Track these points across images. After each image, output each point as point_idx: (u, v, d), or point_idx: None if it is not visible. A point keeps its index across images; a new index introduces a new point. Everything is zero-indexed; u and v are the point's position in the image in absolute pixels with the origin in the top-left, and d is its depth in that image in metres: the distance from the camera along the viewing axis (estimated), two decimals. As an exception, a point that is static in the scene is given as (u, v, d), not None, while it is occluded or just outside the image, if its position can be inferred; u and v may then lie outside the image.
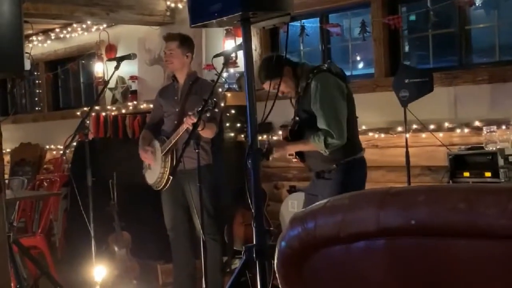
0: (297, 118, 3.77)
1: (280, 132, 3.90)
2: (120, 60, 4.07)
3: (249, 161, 2.48)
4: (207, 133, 4.18)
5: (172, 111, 4.46)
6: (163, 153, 4.31)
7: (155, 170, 4.41)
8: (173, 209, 4.50)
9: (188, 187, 4.16)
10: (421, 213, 1.12)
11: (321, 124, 3.56)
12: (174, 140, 4.22)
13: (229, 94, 5.49)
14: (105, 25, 7.04)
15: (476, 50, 4.80)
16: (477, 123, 4.37)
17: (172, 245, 4.61)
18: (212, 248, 4.24)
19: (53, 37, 7.83)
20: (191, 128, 3.73)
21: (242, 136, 5.48)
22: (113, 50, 7.12)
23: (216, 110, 3.92)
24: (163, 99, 4.58)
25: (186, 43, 4.42)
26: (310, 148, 3.66)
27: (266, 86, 3.67)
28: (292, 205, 5.14)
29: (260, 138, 4.00)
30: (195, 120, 3.69)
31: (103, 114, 6.81)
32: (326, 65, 3.76)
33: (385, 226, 1.15)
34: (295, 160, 3.83)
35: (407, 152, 4.34)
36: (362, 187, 3.75)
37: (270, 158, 3.75)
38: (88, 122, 3.91)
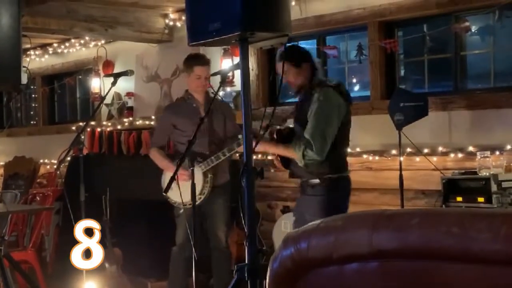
0: (291, 125, 3.77)
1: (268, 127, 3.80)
2: (117, 76, 4.06)
3: (244, 180, 2.48)
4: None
5: (193, 129, 4.29)
6: (204, 170, 4.29)
7: (187, 188, 4.12)
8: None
9: (218, 201, 4.37)
10: (414, 236, 1.12)
11: (307, 133, 3.55)
12: (220, 160, 4.28)
13: (225, 113, 5.50)
14: (103, 41, 7.06)
15: (471, 75, 4.83)
16: (471, 148, 4.39)
17: (172, 260, 4.50)
18: (228, 257, 4.51)
19: (51, 52, 7.84)
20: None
21: (237, 154, 5.47)
22: (110, 66, 7.13)
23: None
24: (180, 118, 4.44)
25: None
26: (289, 154, 3.65)
27: (278, 66, 3.65)
28: (285, 226, 5.12)
29: (255, 157, 4.00)
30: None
31: (99, 129, 6.80)
32: (334, 81, 3.73)
33: (378, 249, 1.14)
34: (278, 164, 3.81)
35: (401, 175, 4.34)
36: (347, 205, 3.73)
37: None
38: (83, 137, 3.90)
